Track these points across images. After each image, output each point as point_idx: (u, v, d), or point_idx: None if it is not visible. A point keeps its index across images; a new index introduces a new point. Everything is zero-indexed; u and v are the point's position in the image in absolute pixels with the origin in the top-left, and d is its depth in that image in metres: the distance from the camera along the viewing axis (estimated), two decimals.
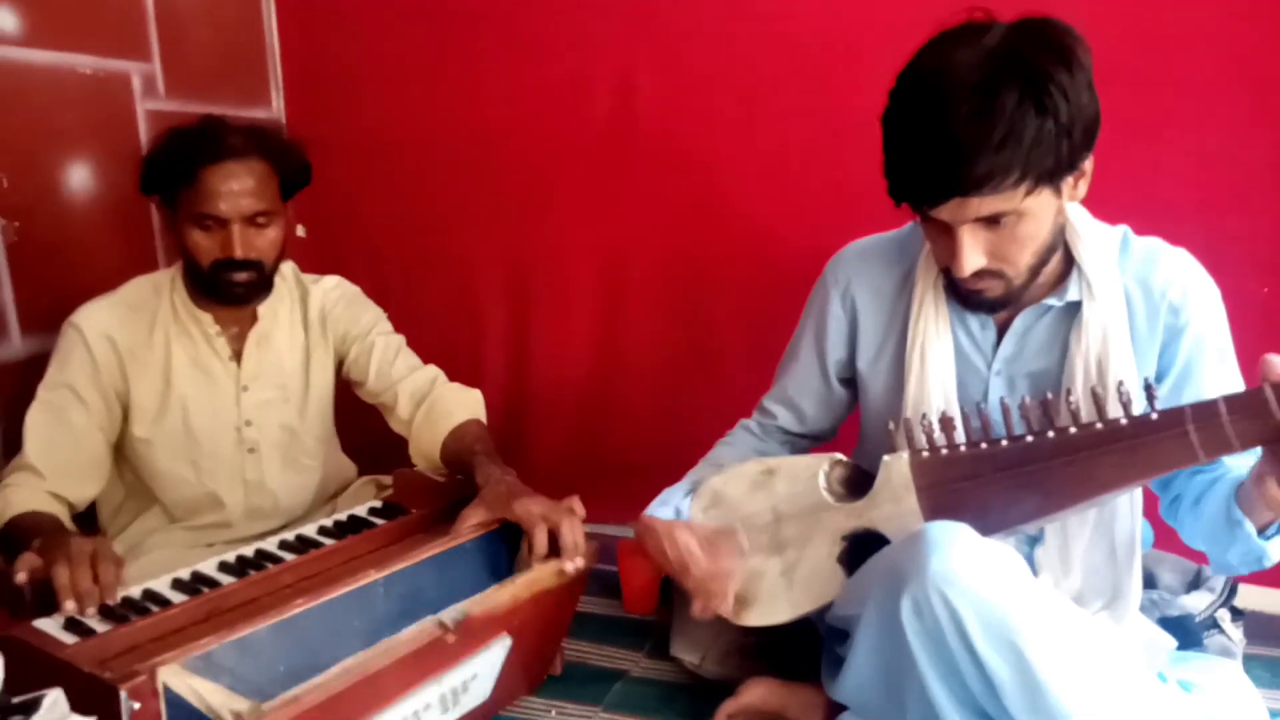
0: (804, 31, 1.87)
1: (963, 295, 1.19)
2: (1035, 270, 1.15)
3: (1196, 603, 1.39)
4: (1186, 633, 1.34)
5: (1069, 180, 1.11)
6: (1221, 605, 1.40)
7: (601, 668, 1.56)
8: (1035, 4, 1.09)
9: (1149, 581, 1.43)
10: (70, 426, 1.48)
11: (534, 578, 1.30)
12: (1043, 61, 1.03)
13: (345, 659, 1.08)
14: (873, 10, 1.80)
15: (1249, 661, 1.42)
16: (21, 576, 1.17)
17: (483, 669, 1.27)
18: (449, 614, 1.18)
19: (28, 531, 1.31)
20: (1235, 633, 1.39)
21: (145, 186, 1.52)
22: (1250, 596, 1.54)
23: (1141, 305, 1.21)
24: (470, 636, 1.21)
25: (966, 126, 1.01)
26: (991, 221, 1.08)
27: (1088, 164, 1.12)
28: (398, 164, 2.18)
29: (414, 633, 1.15)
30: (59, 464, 1.45)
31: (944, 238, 1.12)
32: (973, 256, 1.10)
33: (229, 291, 1.52)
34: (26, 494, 1.41)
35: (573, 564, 1.33)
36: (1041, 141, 1.02)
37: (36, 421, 1.46)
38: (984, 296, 1.16)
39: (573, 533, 1.33)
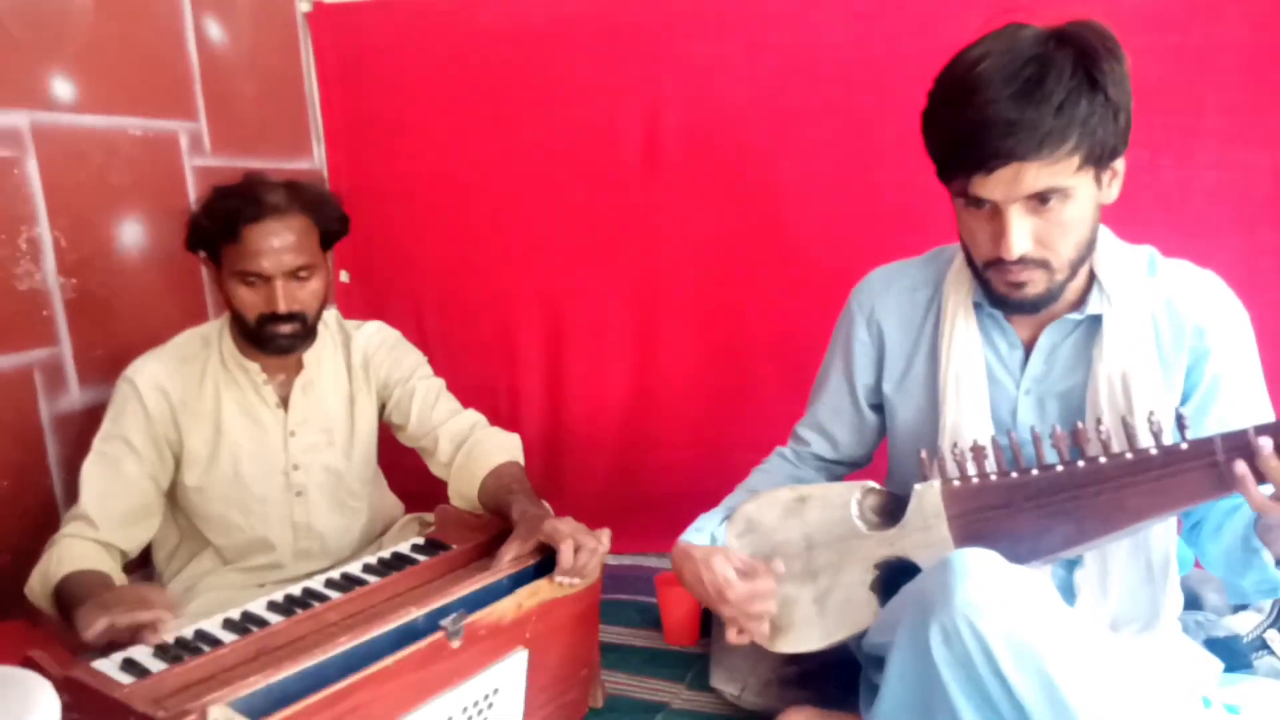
0: (830, 63, 1.90)
1: (1000, 294, 1.18)
2: (1075, 266, 1.16)
3: (1243, 624, 1.37)
4: (1234, 654, 1.32)
5: (1106, 175, 1.13)
6: (1270, 626, 1.38)
7: (643, 700, 1.58)
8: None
9: (1194, 603, 1.41)
10: (124, 477, 1.53)
11: (535, 588, 1.34)
12: (1093, 43, 1.07)
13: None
14: (897, 40, 1.82)
15: None
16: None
17: (504, 684, 1.30)
18: (451, 619, 1.22)
19: (76, 592, 1.36)
20: None
21: (191, 244, 1.58)
22: None
23: (1168, 327, 1.21)
24: (480, 646, 1.25)
25: (1023, 96, 1.05)
26: (1040, 202, 1.09)
27: (1120, 165, 1.14)
28: (436, 209, 2.25)
29: (419, 643, 1.19)
30: (112, 513, 1.50)
31: (989, 225, 1.13)
32: (1021, 237, 1.10)
33: (274, 343, 1.57)
34: (79, 549, 1.45)
35: (568, 579, 1.36)
36: (1094, 113, 1.06)
37: (92, 473, 1.52)
38: (1025, 292, 1.15)
39: (588, 554, 1.36)
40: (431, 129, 2.22)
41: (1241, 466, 1.00)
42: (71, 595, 1.35)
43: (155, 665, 1.17)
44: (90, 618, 1.22)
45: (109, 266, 1.80)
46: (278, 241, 1.51)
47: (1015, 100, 1.05)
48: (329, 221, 1.61)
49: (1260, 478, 1.00)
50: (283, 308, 1.53)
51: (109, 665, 1.17)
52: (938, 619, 1.03)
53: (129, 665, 1.17)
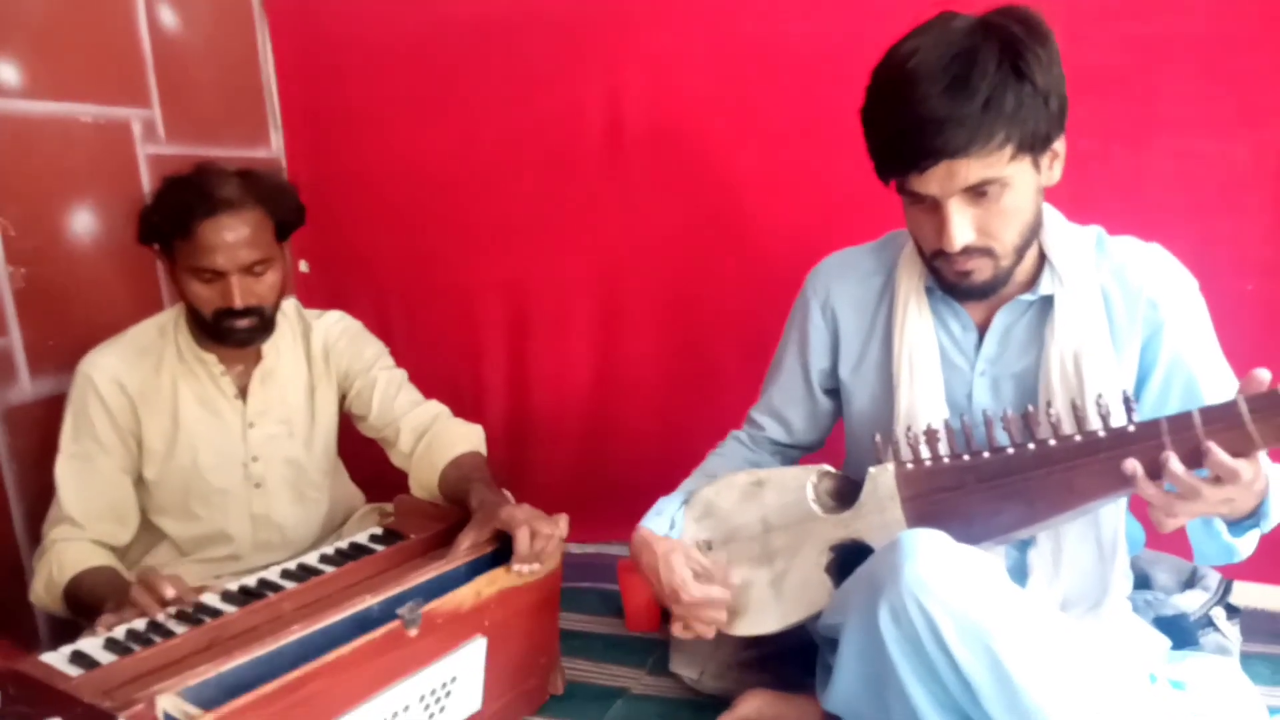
0: (791, 53, 1.90)
1: (950, 282, 1.20)
2: (1020, 250, 1.17)
3: (1191, 602, 1.39)
4: (1182, 632, 1.34)
5: (1045, 158, 1.14)
6: (1216, 603, 1.40)
7: (603, 686, 1.58)
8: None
9: (1144, 582, 1.43)
10: (99, 474, 1.52)
11: (493, 576, 1.34)
12: (1017, 33, 1.07)
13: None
14: (859, 32, 1.82)
15: (1249, 659, 1.42)
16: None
17: (462, 672, 1.30)
18: (408, 607, 1.21)
19: (92, 591, 1.37)
20: (1231, 630, 1.38)
21: (143, 238, 1.54)
22: (1248, 594, 1.53)
23: (1120, 301, 1.22)
24: (438, 635, 1.25)
25: (951, 92, 1.05)
26: (978, 194, 1.10)
27: (1060, 145, 1.15)
28: (397, 197, 2.22)
29: (375, 631, 1.19)
30: (95, 512, 1.50)
31: (931, 218, 1.14)
32: (962, 229, 1.12)
33: (232, 337, 1.55)
34: (76, 550, 1.45)
35: (526, 566, 1.35)
36: (1023, 104, 1.06)
37: (66, 474, 1.50)
38: (973, 280, 1.17)
39: (544, 540, 1.35)
40: (392, 117, 2.19)
41: (1131, 465, 1.03)
42: (90, 595, 1.37)
43: (105, 657, 1.16)
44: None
45: (60, 255, 1.77)
46: (232, 236, 1.48)
47: (942, 98, 1.05)
48: (285, 213, 1.58)
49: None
50: (239, 303, 1.50)
51: (56, 658, 1.15)
52: (886, 598, 1.04)
53: (77, 657, 1.16)
